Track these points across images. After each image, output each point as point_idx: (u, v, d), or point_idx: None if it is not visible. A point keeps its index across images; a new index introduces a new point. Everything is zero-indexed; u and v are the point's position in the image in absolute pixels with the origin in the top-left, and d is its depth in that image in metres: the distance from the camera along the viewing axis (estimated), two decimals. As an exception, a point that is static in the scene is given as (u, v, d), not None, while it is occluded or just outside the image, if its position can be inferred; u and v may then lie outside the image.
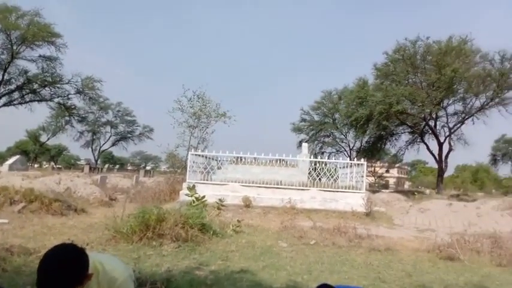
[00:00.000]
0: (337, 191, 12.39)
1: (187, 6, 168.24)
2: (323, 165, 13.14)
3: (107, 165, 63.12)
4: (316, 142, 46.18)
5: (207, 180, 13.14)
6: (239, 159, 14.40)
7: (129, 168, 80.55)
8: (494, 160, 66.73)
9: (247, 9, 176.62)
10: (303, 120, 46.30)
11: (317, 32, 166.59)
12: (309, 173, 13.23)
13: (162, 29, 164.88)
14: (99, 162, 62.60)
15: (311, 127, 45.76)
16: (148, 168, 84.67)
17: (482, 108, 31.93)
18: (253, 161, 14.40)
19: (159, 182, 14.83)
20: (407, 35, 35.85)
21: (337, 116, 44.05)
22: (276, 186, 12.59)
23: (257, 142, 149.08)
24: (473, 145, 36.52)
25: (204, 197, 8.67)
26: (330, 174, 13.02)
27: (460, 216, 11.30)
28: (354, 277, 5.37)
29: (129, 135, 59.68)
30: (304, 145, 17.05)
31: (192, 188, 8.58)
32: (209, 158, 13.77)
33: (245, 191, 12.41)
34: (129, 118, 58.32)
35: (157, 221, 6.99)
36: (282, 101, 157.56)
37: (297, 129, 45.88)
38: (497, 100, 30.73)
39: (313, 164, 13.34)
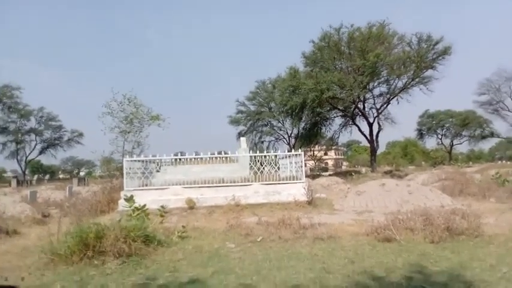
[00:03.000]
0: (279, 183, 12.62)
1: (115, 7, 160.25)
2: (263, 158, 13.29)
3: (36, 176, 58.95)
4: (254, 132, 46.78)
5: (146, 185, 12.73)
6: (179, 160, 14.13)
7: (61, 176, 75.98)
8: (420, 134, 72.39)
9: (177, 9, 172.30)
10: (240, 111, 46.56)
11: (246, 23, 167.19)
12: (250, 167, 13.34)
13: (89, 30, 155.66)
14: (27, 173, 58.32)
15: (248, 118, 46.15)
16: (82, 174, 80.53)
17: (404, 88, 34.30)
18: (194, 160, 14.19)
19: (95, 192, 14.09)
20: (332, 22, 37.39)
21: (272, 105, 44.81)
22: (218, 184, 12.52)
23: (197, 138, 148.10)
24: (400, 123, 39.23)
25: (144, 205, 8.38)
26: (271, 167, 13.23)
27: (393, 195, 12.04)
28: (300, 270, 5.51)
29: (57, 141, 56.19)
30: (242, 139, 17.10)
31: (130, 199, 8.26)
32: (147, 161, 13.33)
33: (187, 193, 12.22)
34: (54, 123, 54.82)
35: (96, 238, 6.65)
36: (218, 94, 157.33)
37: (235, 121, 46.08)
38: (417, 79, 33.16)
39: (253, 158, 13.45)
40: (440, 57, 31.39)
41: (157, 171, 14.02)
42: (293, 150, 44.65)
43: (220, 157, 13.81)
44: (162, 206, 8.78)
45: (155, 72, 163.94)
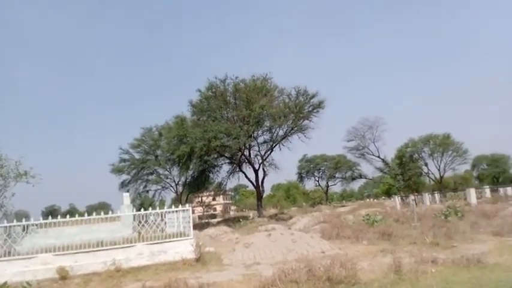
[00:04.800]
0: (166, 242, 11.99)
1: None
2: (148, 215, 12.60)
3: None
4: (139, 181, 44.62)
5: (9, 255, 10.95)
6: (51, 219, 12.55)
7: None
8: (300, 177, 78.12)
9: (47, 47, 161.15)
10: (123, 160, 44.13)
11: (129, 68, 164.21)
12: (134, 226, 12.50)
13: None
14: None
15: (132, 166, 43.94)
16: None
17: (285, 136, 36.72)
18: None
19: None
20: (218, 73, 39.04)
21: (159, 152, 43.69)
22: (96, 248, 11.34)
23: (75, 188, 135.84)
24: (282, 167, 41.48)
25: (5, 283, 7.09)
26: (156, 225, 12.57)
27: (279, 245, 12.38)
28: None
29: None
30: (125, 195, 16.10)
31: (-14, 279, 6.93)
32: (10, 227, 11.53)
33: (59, 261, 10.81)
34: None
35: None
36: (100, 142, 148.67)
37: (117, 170, 43.41)
38: (296, 128, 35.83)
39: (137, 216, 12.67)
40: (316, 110, 34.77)
41: (24, 235, 12.20)
42: (181, 198, 43.96)
43: (99, 218, 12.60)
44: (27, 283, 7.53)
45: (25, 117, 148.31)
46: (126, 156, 44.17)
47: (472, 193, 31.02)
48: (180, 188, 46.27)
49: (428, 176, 62.81)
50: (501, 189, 33.73)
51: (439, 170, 60.50)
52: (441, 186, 59.42)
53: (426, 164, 61.09)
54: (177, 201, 42.50)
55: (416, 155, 60.25)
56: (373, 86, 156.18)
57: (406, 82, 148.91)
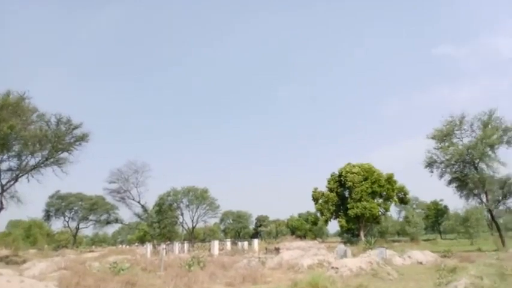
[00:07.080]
0: None
1: None
2: None
3: None
4: None
5: None
6: None
7: None
8: (47, 215, 68.46)
9: None
10: None
11: None
12: None
13: None
14: None
15: None
16: None
17: (37, 166, 32.25)
18: None
19: None
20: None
21: None
22: None
23: None
24: (27, 202, 35.63)
25: None
26: None
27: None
28: None
29: None
30: None
31: None
32: None
33: None
34: None
35: None
36: None
37: None
38: (52, 160, 32.05)
39: None
40: (78, 142, 32.19)
41: None
42: None
43: None
44: None
45: None
46: None
47: (215, 245, 34.07)
48: None
49: (182, 225, 65.98)
50: (239, 243, 38.04)
51: (192, 220, 64.62)
52: (192, 236, 63.21)
53: (182, 214, 64.33)
54: None
55: (176, 204, 62.85)
56: (143, 129, 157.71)
57: (178, 132, 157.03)
